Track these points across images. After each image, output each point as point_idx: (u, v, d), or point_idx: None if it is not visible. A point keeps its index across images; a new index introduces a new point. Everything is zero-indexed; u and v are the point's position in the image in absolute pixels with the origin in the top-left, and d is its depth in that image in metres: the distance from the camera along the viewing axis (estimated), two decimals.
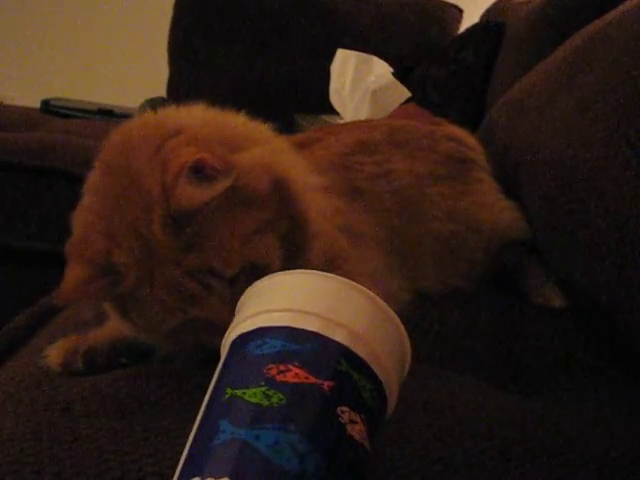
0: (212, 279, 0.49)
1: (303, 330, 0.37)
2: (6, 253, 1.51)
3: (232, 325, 0.41)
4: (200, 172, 0.48)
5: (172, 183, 0.48)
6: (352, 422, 0.35)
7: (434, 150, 0.86)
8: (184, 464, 0.34)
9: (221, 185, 0.48)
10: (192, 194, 0.47)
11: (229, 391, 0.35)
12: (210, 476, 0.31)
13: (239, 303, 0.43)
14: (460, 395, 0.56)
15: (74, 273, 0.49)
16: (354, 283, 0.39)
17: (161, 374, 0.55)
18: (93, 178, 0.56)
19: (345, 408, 0.35)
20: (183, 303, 0.50)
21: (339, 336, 0.37)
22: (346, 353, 0.37)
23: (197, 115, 0.58)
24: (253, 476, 0.31)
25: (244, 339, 0.38)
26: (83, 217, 0.54)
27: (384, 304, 0.39)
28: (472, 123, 1.27)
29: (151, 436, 0.46)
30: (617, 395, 0.60)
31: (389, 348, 0.39)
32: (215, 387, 0.37)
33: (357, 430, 0.35)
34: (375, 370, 0.37)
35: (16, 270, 1.54)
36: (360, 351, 0.37)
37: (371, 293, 0.39)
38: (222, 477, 0.31)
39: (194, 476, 0.32)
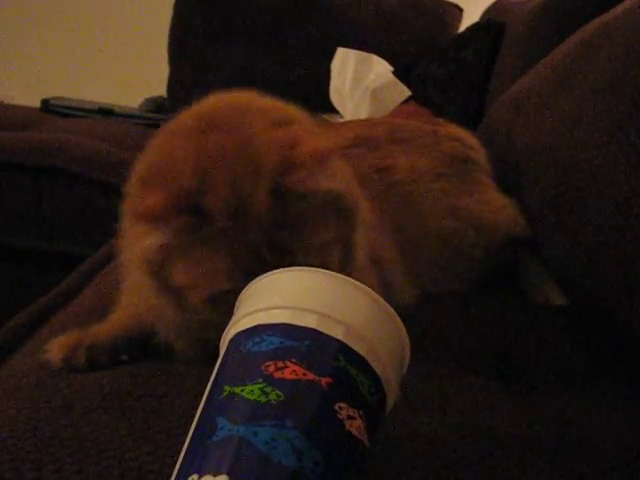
0: (286, 262, 0.49)
1: (301, 327, 0.37)
2: (6, 253, 1.51)
3: (230, 323, 0.41)
4: (322, 165, 0.50)
5: (298, 162, 0.49)
6: (350, 418, 0.35)
7: (436, 149, 0.87)
8: (182, 461, 0.34)
9: (339, 185, 0.52)
10: (315, 180, 0.49)
11: (227, 388, 0.35)
12: (208, 473, 0.31)
13: (237, 301, 0.43)
14: (460, 394, 0.56)
15: (156, 200, 0.48)
16: (352, 280, 0.39)
17: (162, 372, 0.55)
18: (183, 124, 0.56)
19: (343, 404, 0.35)
20: (251, 268, 0.49)
21: (337, 332, 0.37)
22: (344, 349, 0.37)
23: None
24: (251, 473, 0.31)
25: (242, 337, 0.38)
26: (170, 152, 0.53)
27: (382, 300, 0.39)
28: (472, 122, 1.27)
29: (151, 434, 0.46)
30: (617, 394, 0.60)
31: (387, 344, 0.39)
32: (213, 385, 0.37)
33: (355, 426, 0.35)
34: (373, 366, 0.37)
35: (16, 270, 1.54)
36: (358, 347, 0.37)
37: (369, 289, 0.39)
38: (220, 474, 0.31)
39: (192, 473, 0.32)
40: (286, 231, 0.49)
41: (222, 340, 0.41)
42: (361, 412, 0.35)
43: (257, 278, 0.42)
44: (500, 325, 0.72)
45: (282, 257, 0.49)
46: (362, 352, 0.37)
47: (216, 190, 0.49)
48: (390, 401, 0.40)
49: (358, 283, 0.39)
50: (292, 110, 0.59)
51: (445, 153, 0.86)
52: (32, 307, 0.75)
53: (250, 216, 0.49)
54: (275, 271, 0.41)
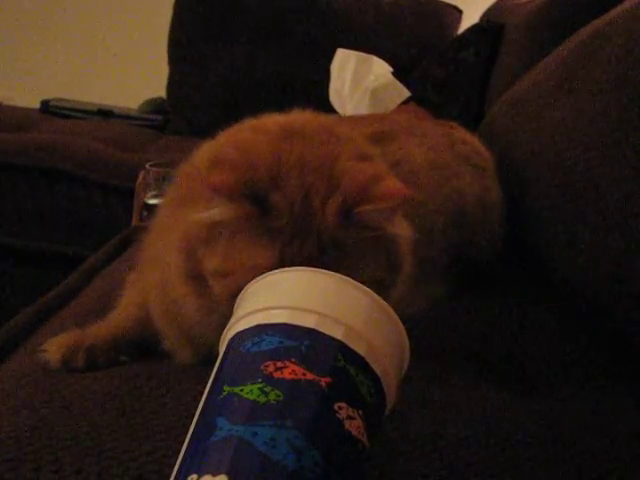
0: None
1: (300, 327, 0.37)
2: (6, 252, 1.51)
3: (229, 324, 0.41)
4: (395, 207, 0.51)
5: (375, 197, 0.50)
6: (350, 418, 0.34)
7: (451, 148, 0.86)
8: (182, 461, 0.34)
9: (402, 231, 0.53)
10: (384, 220, 0.51)
11: (226, 389, 0.35)
12: (207, 473, 0.31)
13: (236, 302, 0.43)
14: (461, 395, 0.56)
15: (226, 177, 0.48)
16: (352, 280, 0.39)
17: (161, 372, 0.55)
18: (267, 125, 0.57)
19: (343, 404, 0.35)
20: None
21: (336, 332, 0.37)
22: (343, 349, 0.36)
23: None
24: (250, 472, 0.31)
25: (241, 337, 0.38)
26: (249, 144, 0.53)
27: (383, 301, 0.39)
28: (472, 123, 1.27)
29: (151, 434, 0.46)
30: (618, 394, 0.60)
31: (387, 344, 0.39)
32: (212, 385, 0.37)
33: (355, 426, 0.35)
34: (373, 366, 0.37)
35: (16, 270, 1.54)
36: (357, 347, 0.37)
37: (370, 290, 0.39)
38: (219, 474, 0.31)
39: (192, 473, 0.32)
40: (340, 255, 0.50)
41: (221, 340, 0.41)
42: (360, 412, 0.35)
43: (255, 279, 0.42)
44: (502, 327, 0.72)
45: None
46: (362, 352, 0.37)
47: (286, 190, 0.50)
48: (390, 400, 0.40)
49: (358, 283, 0.39)
50: (369, 146, 0.60)
51: (460, 155, 0.85)
52: (32, 307, 0.75)
53: (311, 226, 0.49)
54: (274, 271, 0.41)
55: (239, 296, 0.43)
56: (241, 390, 0.34)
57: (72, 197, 1.51)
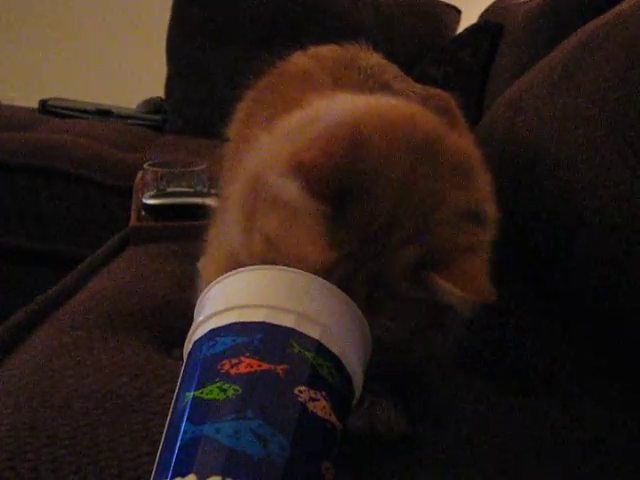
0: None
1: (250, 322, 0.38)
2: (6, 253, 1.51)
3: (188, 337, 0.41)
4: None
5: (458, 275, 0.44)
6: (313, 400, 0.35)
7: None
8: (154, 474, 0.35)
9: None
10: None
11: (187, 395, 0.36)
12: (177, 476, 0.32)
13: (196, 308, 0.43)
14: (462, 395, 0.56)
15: (316, 174, 0.42)
16: (301, 271, 0.40)
17: (161, 372, 0.55)
18: (401, 111, 0.51)
19: (303, 387, 0.35)
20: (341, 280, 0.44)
21: (287, 321, 0.37)
22: (295, 335, 0.37)
23: None
24: (217, 466, 0.31)
25: (198, 345, 0.39)
26: (357, 137, 0.45)
27: (334, 286, 0.40)
28: (470, 124, 1.27)
29: (149, 434, 0.46)
30: (617, 394, 0.61)
31: (344, 326, 0.39)
32: (176, 394, 0.38)
33: (320, 407, 0.35)
34: (330, 347, 0.38)
35: (15, 270, 1.54)
36: (311, 331, 0.37)
37: (320, 278, 0.40)
38: (188, 474, 0.31)
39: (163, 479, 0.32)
40: (386, 301, 0.44)
41: (184, 352, 0.42)
42: (324, 393, 0.36)
43: (204, 291, 0.42)
44: (501, 327, 0.72)
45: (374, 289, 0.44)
46: (316, 335, 0.37)
47: (370, 207, 0.43)
48: (357, 381, 0.40)
49: (309, 273, 0.40)
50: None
51: None
52: (30, 306, 0.74)
53: (375, 260, 0.43)
54: (224, 275, 0.41)
55: (198, 301, 0.43)
56: (201, 393, 0.35)
57: (70, 197, 1.51)
